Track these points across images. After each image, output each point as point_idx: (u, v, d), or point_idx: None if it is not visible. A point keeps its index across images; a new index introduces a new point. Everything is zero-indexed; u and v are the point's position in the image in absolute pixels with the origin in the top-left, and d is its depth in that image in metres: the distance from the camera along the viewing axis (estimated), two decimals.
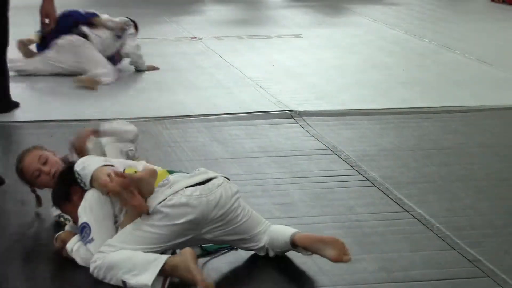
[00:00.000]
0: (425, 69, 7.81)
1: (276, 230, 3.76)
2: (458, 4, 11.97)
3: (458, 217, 4.33)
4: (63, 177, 3.88)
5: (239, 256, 3.78)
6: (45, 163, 4.14)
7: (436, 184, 4.84)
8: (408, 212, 4.37)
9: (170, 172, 3.77)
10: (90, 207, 3.66)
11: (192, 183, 3.62)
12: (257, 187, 4.67)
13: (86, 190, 3.73)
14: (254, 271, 3.66)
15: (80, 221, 3.67)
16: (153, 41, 8.52)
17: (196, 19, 10.42)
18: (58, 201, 3.89)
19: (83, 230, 3.65)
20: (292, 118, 6.08)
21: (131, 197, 3.53)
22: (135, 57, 7.44)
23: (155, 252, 3.54)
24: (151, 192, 3.59)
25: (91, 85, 6.87)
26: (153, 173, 3.62)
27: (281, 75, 7.46)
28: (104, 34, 7.30)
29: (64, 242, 3.74)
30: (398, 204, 4.47)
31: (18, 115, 6.03)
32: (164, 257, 3.48)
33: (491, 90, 7.02)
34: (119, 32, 7.38)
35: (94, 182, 3.68)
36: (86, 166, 3.72)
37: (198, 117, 6.05)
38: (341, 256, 3.59)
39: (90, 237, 3.62)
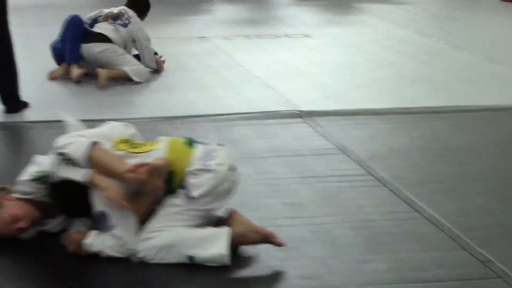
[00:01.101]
0: (434, 68, 7.79)
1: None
2: (466, 3, 11.94)
3: (469, 217, 4.31)
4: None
5: (242, 255, 3.77)
6: (17, 220, 3.75)
7: (446, 184, 4.82)
8: (418, 212, 4.35)
9: (190, 143, 3.85)
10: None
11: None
12: (267, 187, 4.65)
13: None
14: (260, 271, 3.64)
15: (97, 209, 3.65)
16: (162, 41, 8.50)
17: (204, 18, 10.42)
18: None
19: (102, 218, 3.64)
20: (301, 117, 6.07)
21: (157, 181, 3.64)
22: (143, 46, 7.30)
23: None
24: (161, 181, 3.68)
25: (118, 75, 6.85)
26: (168, 164, 3.70)
27: (290, 74, 7.45)
28: (109, 26, 7.20)
29: (78, 243, 3.71)
30: (409, 204, 4.45)
31: (28, 115, 6.04)
32: (225, 228, 3.69)
33: (500, 89, 7.00)
34: (118, 19, 7.25)
35: (92, 164, 3.66)
36: (72, 148, 3.66)
37: (208, 116, 6.05)
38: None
39: (111, 223, 3.62)
